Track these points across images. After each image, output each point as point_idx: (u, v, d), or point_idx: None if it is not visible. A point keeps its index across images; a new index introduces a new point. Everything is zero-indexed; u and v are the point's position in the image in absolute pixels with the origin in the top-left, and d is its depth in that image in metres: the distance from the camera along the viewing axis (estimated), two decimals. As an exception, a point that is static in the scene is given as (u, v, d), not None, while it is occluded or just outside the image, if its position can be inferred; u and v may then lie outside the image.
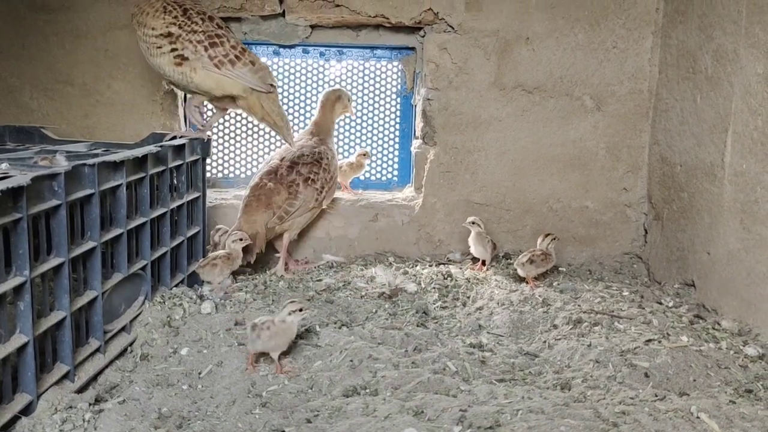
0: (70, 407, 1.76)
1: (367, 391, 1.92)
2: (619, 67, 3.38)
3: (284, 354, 2.13)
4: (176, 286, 2.63)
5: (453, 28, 3.35)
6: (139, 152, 2.27)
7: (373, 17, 3.34)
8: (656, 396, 1.81)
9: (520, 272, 2.95)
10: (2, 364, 1.63)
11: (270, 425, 1.71)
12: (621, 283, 3.14)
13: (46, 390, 1.78)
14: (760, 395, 1.97)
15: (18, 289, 1.66)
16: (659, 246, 3.33)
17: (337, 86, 3.46)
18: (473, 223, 3.16)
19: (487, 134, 3.40)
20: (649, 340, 2.27)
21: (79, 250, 1.93)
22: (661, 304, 2.84)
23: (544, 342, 2.33)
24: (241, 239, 2.79)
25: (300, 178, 3.08)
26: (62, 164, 2.21)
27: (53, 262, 1.81)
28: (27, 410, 1.70)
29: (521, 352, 2.25)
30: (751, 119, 2.60)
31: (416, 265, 3.32)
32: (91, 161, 1.99)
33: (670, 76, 3.24)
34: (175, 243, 2.64)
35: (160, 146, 2.47)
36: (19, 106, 3.24)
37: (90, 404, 1.78)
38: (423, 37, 3.44)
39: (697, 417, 1.64)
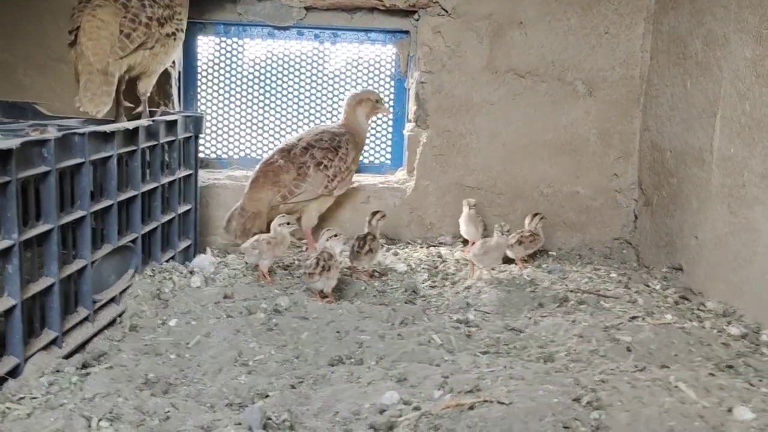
0: (57, 371, 1.78)
1: (352, 360, 1.95)
2: (611, 53, 3.40)
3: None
4: (167, 261, 2.65)
5: (447, 12, 3.36)
6: (130, 125, 2.28)
7: (368, 0, 3.36)
8: (636, 367, 1.83)
9: (509, 253, 2.97)
10: (-10, 326, 1.65)
11: (255, 390, 1.73)
12: (609, 267, 3.16)
13: (34, 354, 1.80)
14: (740, 370, 1.99)
15: (6, 252, 1.67)
16: (648, 231, 3.36)
17: (362, 89, 3.45)
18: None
19: (479, 118, 3.42)
20: (634, 317, 2.30)
21: (68, 218, 1.95)
22: (648, 286, 2.86)
23: (530, 318, 2.36)
24: (288, 223, 2.74)
25: (312, 161, 3.05)
26: (53, 135, 2.23)
27: (42, 227, 1.83)
28: (14, 372, 1.72)
29: (507, 327, 2.28)
30: (739, 103, 2.62)
31: (407, 247, 3.34)
32: (81, 130, 2.00)
33: (661, 62, 3.26)
34: (166, 219, 2.66)
35: (152, 120, 2.48)
36: (12, 82, 3.24)
37: (77, 368, 1.81)
38: (417, 20, 3.45)
39: (675, 386, 1.67)
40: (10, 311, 1.70)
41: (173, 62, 3.33)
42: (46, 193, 1.83)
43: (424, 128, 3.46)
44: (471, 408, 1.46)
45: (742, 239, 2.59)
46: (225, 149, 3.62)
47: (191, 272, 2.62)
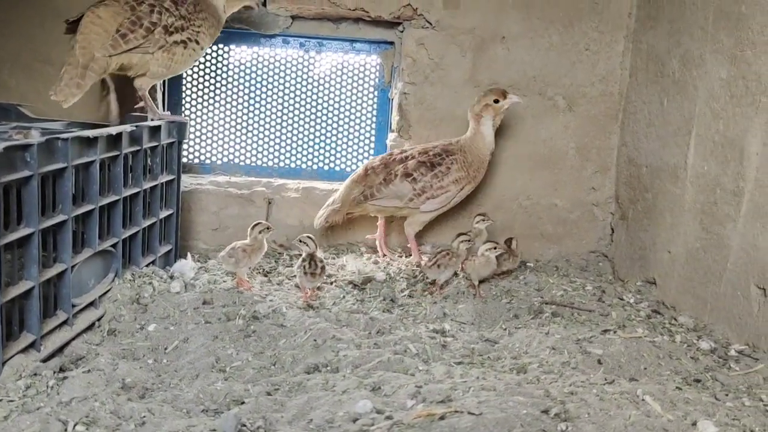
0: (35, 374, 1.79)
1: (329, 368, 1.98)
2: (591, 69, 3.46)
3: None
4: (147, 266, 2.66)
5: (431, 24, 3.41)
6: (113, 130, 2.30)
7: (353, 10, 3.40)
8: (606, 380, 1.88)
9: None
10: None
11: (231, 396, 1.76)
12: (585, 279, 3.22)
13: (12, 357, 1.81)
14: (708, 385, 2.05)
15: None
16: (624, 245, 3.42)
17: (484, 91, 3.27)
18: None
19: (461, 129, 3.46)
20: (606, 331, 2.35)
21: (49, 222, 1.96)
22: (622, 299, 2.92)
23: (505, 330, 2.40)
24: (267, 228, 2.78)
25: (402, 170, 3.09)
26: (36, 139, 2.25)
27: (23, 231, 1.84)
28: (-9, 375, 1.73)
29: (482, 338, 2.32)
30: (713, 122, 2.69)
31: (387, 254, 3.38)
32: (64, 135, 2.02)
33: (640, 80, 3.33)
34: (147, 223, 2.67)
35: (136, 126, 2.50)
36: (3, 87, 3.24)
37: (54, 372, 1.82)
38: (402, 32, 3.49)
39: (642, 399, 1.71)
40: (-14, 317, 1.71)
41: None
42: (28, 197, 1.85)
43: (407, 138, 3.50)
44: (442, 418, 1.49)
45: (713, 255, 2.65)
46: (208, 154, 3.64)
47: (171, 277, 2.63)
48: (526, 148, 3.49)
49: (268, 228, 2.74)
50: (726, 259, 2.56)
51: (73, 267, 2.11)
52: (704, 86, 2.76)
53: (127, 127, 2.40)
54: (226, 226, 3.44)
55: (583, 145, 3.53)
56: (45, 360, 1.92)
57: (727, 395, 1.94)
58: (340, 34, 3.55)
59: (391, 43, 3.58)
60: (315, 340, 2.14)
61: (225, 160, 3.65)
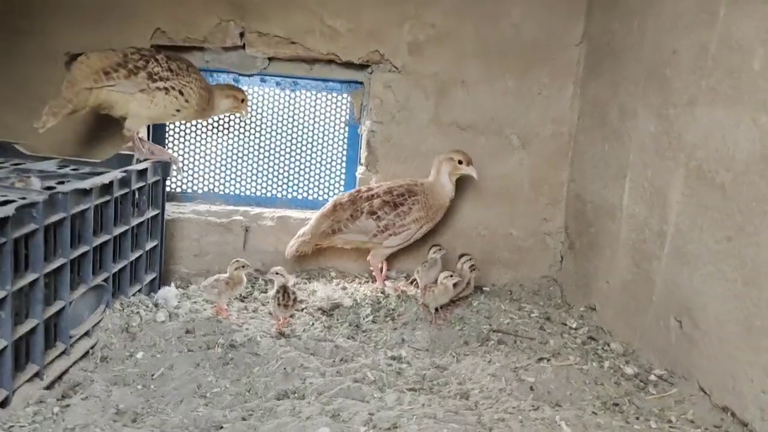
0: (41, 401, 2.07)
1: (296, 395, 2.27)
2: (543, 112, 3.79)
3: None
4: (134, 294, 2.94)
5: (397, 69, 3.72)
6: (106, 179, 2.58)
7: (325, 54, 3.70)
8: (533, 407, 2.20)
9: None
10: (-16, 364, 1.93)
11: (211, 422, 2.05)
12: (535, 304, 3.54)
13: (20, 386, 2.09)
14: (624, 408, 2.37)
15: (0, 302, 1.96)
16: (571, 272, 3.76)
17: (450, 149, 3.55)
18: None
19: (425, 165, 3.76)
20: (541, 359, 2.67)
21: (51, 266, 2.24)
22: (565, 325, 3.24)
23: (454, 357, 2.72)
24: (243, 266, 3.05)
25: (368, 208, 3.38)
26: (36, 186, 2.53)
27: (29, 277, 2.12)
28: (4, 403, 2.01)
29: (433, 365, 2.63)
30: (643, 171, 3.02)
31: (354, 280, 3.68)
32: (65, 189, 2.30)
33: (586, 124, 3.67)
34: (135, 256, 2.95)
35: (125, 171, 2.78)
36: (-3, 123, 3.50)
37: (57, 399, 2.10)
38: (370, 74, 3.80)
39: (559, 425, 2.04)
40: (2, 351, 1.98)
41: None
42: (34, 247, 2.13)
43: (374, 172, 3.80)
44: (387, 445, 1.81)
45: (641, 288, 2.99)
46: (190, 184, 3.91)
47: (155, 305, 2.91)
48: (484, 183, 3.81)
49: (244, 266, 3.03)
50: (652, 292, 2.90)
51: (70, 303, 2.38)
52: (637, 137, 3.09)
53: (118, 174, 2.68)
54: (207, 252, 3.72)
55: (536, 180, 3.85)
56: (48, 387, 2.19)
57: (638, 419, 2.27)
58: (313, 75, 3.85)
59: (361, 83, 3.88)
60: (285, 369, 2.44)
61: (205, 189, 3.93)
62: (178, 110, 3.13)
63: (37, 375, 2.18)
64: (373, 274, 3.62)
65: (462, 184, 3.76)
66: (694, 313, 2.58)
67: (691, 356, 2.58)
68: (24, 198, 2.26)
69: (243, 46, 3.68)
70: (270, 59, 3.75)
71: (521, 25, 3.71)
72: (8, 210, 1.93)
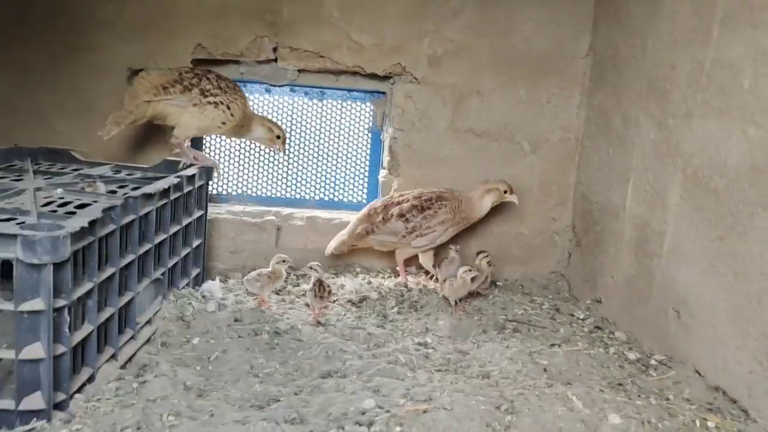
0: (120, 379, 2.38)
1: (339, 374, 2.58)
2: (552, 119, 4.09)
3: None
4: (183, 287, 3.25)
5: (417, 80, 4.03)
6: (165, 183, 2.89)
7: (351, 67, 4.00)
8: (547, 384, 2.51)
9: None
10: (74, 349, 2.24)
11: (268, 396, 2.35)
12: (545, 297, 3.85)
13: (101, 366, 2.40)
14: (627, 388, 2.67)
15: (88, 292, 2.28)
16: (578, 268, 4.06)
17: (496, 179, 3.88)
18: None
19: (443, 169, 4.09)
20: (552, 344, 2.98)
21: (124, 262, 2.55)
22: (573, 316, 3.55)
23: (474, 343, 3.02)
24: (284, 261, 3.41)
25: (398, 211, 3.70)
26: (101, 190, 2.85)
27: (108, 271, 2.43)
28: (90, 379, 2.32)
29: (456, 350, 2.94)
30: (645, 175, 3.32)
31: (378, 276, 3.99)
32: (135, 194, 2.61)
33: (592, 130, 3.97)
34: (184, 252, 3.26)
35: (179, 176, 3.09)
36: (50, 129, 3.82)
37: (133, 377, 2.41)
38: (392, 84, 4.10)
39: (570, 399, 2.34)
40: (89, 335, 2.30)
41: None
42: (112, 245, 2.44)
43: (396, 176, 4.11)
44: (425, 412, 2.11)
45: (643, 282, 3.29)
46: (226, 186, 4.23)
47: (203, 296, 3.23)
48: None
49: (285, 260, 3.35)
50: (652, 286, 3.20)
51: (137, 294, 2.70)
52: (639, 144, 3.39)
53: (174, 179, 2.99)
54: (242, 250, 4.03)
55: (545, 182, 4.16)
56: (122, 367, 2.51)
57: (639, 396, 2.57)
58: (339, 85, 4.16)
59: (383, 92, 4.19)
60: (326, 352, 2.75)
61: (239, 191, 4.25)
62: (223, 123, 3.45)
63: (113, 356, 2.49)
64: (397, 269, 3.93)
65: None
66: (690, 304, 2.88)
67: (688, 342, 2.88)
68: (95, 201, 2.58)
69: (275, 60, 3.99)
70: (299, 71, 4.06)
71: (532, 39, 4.02)
72: (96, 212, 2.25)
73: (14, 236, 1.97)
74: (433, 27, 3.98)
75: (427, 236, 3.74)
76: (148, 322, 2.86)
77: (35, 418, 2.05)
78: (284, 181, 4.27)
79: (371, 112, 4.26)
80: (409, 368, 2.66)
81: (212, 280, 3.50)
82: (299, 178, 4.28)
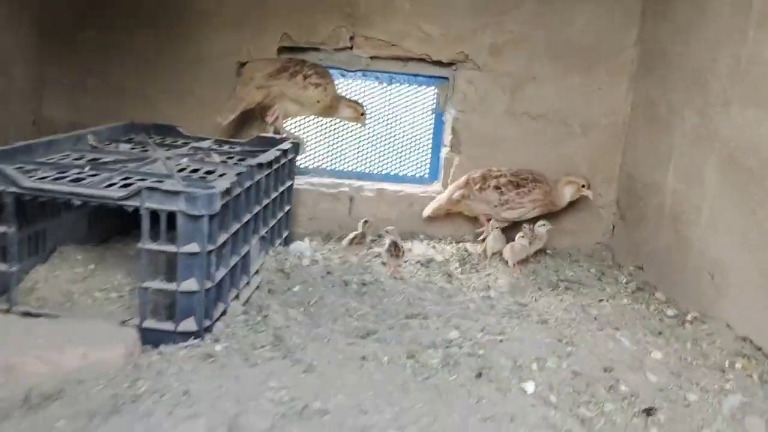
0: (245, 313, 2.90)
1: (421, 317, 3.07)
2: (601, 104, 4.51)
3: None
4: (278, 246, 3.77)
5: (479, 67, 4.47)
6: (271, 156, 3.40)
7: (419, 55, 4.46)
8: (598, 329, 2.97)
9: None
10: (216, 286, 2.76)
11: (366, 329, 2.86)
12: (590, 264, 4.30)
13: (230, 303, 2.93)
14: (666, 336, 3.12)
15: (225, 242, 2.80)
16: (622, 239, 4.49)
17: (576, 174, 4.33)
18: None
19: (500, 149, 4.53)
20: (601, 300, 3.44)
21: (244, 219, 3.07)
22: (616, 279, 3.99)
23: (532, 297, 3.50)
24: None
25: (493, 183, 4.16)
26: (216, 160, 3.37)
27: (235, 226, 2.95)
28: (224, 312, 2.85)
29: (516, 303, 3.41)
30: (685, 155, 3.74)
31: (440, 242, 4.47)
32: (252, 162, 3.12)
33: (638, 116, 4.38)
34: (279, 216, 3.78)
35: (279, 150, 3.60)
36: (155, 110, 4.34)
37: (256, 312, 2.93)
38: (455, 70, 4.55)
39: (619, 339, 2.81)
40: (224, 277, 2.82)
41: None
42: (237, 205, 2.95)
43: (457, 153, 4.58)
44: (501, 341, 2.60)
45: (681, 251, 3.72)
46: (304, 161, 4.74)
47: (298, 254, 3.75)
48: (550, 164, 4.52)
49: (366, 221, 3.87)
50: (689, 255, 3.62)
51: (251, 247, 3.22)
52: (681, 129, 3.81)
53: (276, 152, 3.51)
54: (319, 217, 4.54)
55: (593, 162, 4.58)
56: (243, 305, 3.03)
57: (676, 341, 3.03)
58: (407, 71, 4.62)
59: (446, 78, 4.64)
60: (408, 300, 3.25)
61: (315, 165, 4.76)
62: (318, 101, 3.97)
63: (236, 297, 3.02)
64: (455, 237, 4.41)
65: (529, 164, 4.49)
66: (723, 268, 3.31)
67: (720, 301, 3.32)
68: (214, 169, 3.10)
69: (351, 48, 4.46)
70: (371, 58, 4.53)
71: (585, 31, 4.43)
72: (232, 178, 2.76)
73: (179, 193, 2.49)
74: (494, 19, 4.41)
75: (516, 210, 4.20)
76: (257, 272, 3.39)
77: (192, 337, 2.59)
78: (356, 156, 4.76)
79: (435, 95, 4.71)
80: (480, 313, 3.14)
81: (300, 241, 4.01)
82: (369, 155, 4.77)
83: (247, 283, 3.21)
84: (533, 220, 4.22)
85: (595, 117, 4.53)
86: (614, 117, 4.53)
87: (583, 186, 4.25)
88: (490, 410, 2.10)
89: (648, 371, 2.57)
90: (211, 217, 2.56)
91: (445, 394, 2.20)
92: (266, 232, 3.51)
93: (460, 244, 4.41)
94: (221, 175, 2.99)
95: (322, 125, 4.71)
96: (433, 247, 4.34)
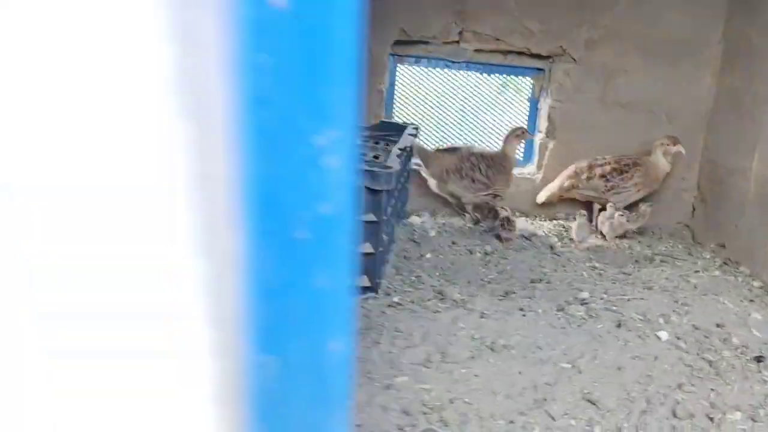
0: (397, 274, 3.43)
1: (544, 281, 3.57)
2: (686, 94, 4.92)
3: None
4: (401, 219, 4.30)
5: (574, 60, 4.91)
6: (408, 141, 3.91)
7: (520, 48, 4.92)
8: (702, 294, 3.45)
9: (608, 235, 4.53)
10: (374, 257, 3.29)
11: (503, 289, 3.37)
12: (676, 241, 4.75)
13: (385, 265, 3.46)
14: (757, 303, 3.58)
15: (377, 223, 3.32)
16: (702, 219, 4.92)
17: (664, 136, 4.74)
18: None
19: (591, 134, 4.98)
20: (696, 271, 3.90)
21: (393, 201, 3.59)
22: (702, 255, 4.44)
23: (634, 267, 3.97)
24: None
25: (599, 172, 4.64)
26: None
27: (392, 201, 3.47)
28: (382, 274, 3.38)
29: (621, 272, 3.88)
30: (771, 143, 4.16)
31: (535, 220, 4.96)
32: (400, 146, 3.64)
33: (721, 106, 4.78)
34: (403, 193, 4.30)
35: (411, 134, 4.11)
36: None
37: (407, 273, 3.46)
38: (552, 63, 4.99)
39: (723, 302, 3.28)
40: (383, 249, 3.35)
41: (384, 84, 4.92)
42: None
43: (552, 138, 5.04)
44: (628, 300, 3.10)
45: (764, 230, 4.15)
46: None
47: (423, 226, 4.27)
48: (636, 148, 4.98)
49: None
50: (773, 232, 4.06)
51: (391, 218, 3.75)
52: (766, 119, 4.22)
53: (412, 138, 4.01)
54: (427, 195, 5.04)
55: (677, 148, 5.00)
56: (392, 268, 3.57)
57: (766, 306, 3.49)
58: (507, 63, 5.07)
59: (541, 69, 5.08)
60: (529, 267, 3.75)
61: (427, 147, 5.25)
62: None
63: (387, 262, 3.55)
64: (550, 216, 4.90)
65: (618, 149, 4.94)
66: (807, 244, 3.75)
67: (803, 274, 3.76)
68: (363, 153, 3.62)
69: (458, 41, 4.93)
70: (476, 51, 4.99)
71: (673, 26, 4.83)
72: (397, 159, 3.28)
73: (365, 171, 3.02)
74: (590, 16, 4.84)
75: (622, 194, 4.67)
76: (393, 241, 3.92)
77: (367, 292, 3.13)
78: (459, 141, 5.25)
79: (531, 85, 5.17)
80: (594, 280, 3.63)
81: (419, 216, 4.54)
82: (470, 140, 5.25)
83: (390, 250, 3.74)
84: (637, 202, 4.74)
85: (680, 106, 4.94)
86: (698, 106, 4.94)
87: (668, 144, 4.63)
88: (636, 350, 2.61)
89: (753, 328, 3.04)
90: (388, 192, 3.08)
91: (597, 338, 2.70)
92: (398, 206, 4.03)
93: (554, 221, 4.88)
94: (375, 157, 3.51)
95: (426, 110, 5.20)
96: (532, 223, 4.82)
